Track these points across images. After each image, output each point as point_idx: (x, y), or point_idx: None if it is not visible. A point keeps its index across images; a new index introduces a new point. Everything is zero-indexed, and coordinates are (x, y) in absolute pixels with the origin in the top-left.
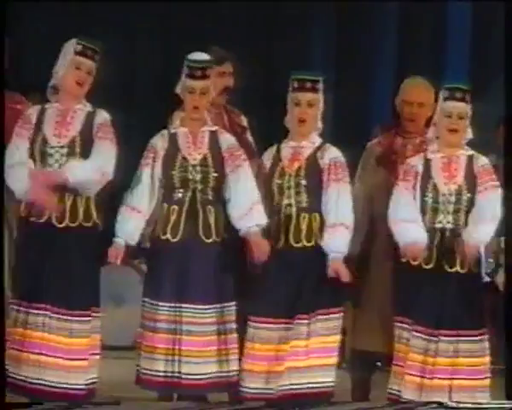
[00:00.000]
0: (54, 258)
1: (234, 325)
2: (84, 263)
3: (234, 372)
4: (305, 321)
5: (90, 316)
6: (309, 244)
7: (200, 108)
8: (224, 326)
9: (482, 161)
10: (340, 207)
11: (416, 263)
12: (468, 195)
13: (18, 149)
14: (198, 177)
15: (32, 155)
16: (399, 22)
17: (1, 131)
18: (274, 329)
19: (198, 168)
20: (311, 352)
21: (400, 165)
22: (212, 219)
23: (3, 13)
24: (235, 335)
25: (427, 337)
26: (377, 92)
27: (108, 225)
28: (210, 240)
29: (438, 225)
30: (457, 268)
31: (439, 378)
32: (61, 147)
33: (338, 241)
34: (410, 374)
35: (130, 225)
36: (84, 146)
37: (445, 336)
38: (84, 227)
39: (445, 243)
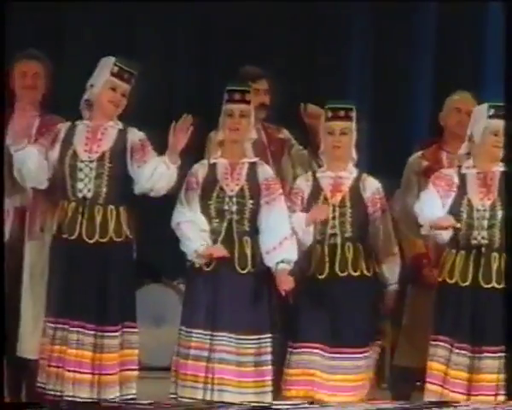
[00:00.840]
0: (85, 274)
1: (269, 357)
2: (116, 278)
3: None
4: (362, 355)
5: (120, 331)
6: (355, 274)
7: (240, 130)
8: (260, 358)
9: None
10: (387, 238)
11: (452, 282)
12: (503, 210)
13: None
14: (234, 208)
15: (61, 168)
16: (437, 46)
17: (1, 132)
18: (321, 356)
19: (234, 199)
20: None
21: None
22: (248, 250)
23: (3, 13)
24: (270, 367)
25: (471, 355)
26: (415, 116)
27: (141, 239)
28: (245, 271)
29: (473, 242)
30: (494, 284)
31: (486, 395)
32: (91, 161)
33: (395, 272)
34: (454, 391)
35: (204, 240)
36: (113, 162)
37: (492, 352)
38: (115, 242)
39: (481, 260)
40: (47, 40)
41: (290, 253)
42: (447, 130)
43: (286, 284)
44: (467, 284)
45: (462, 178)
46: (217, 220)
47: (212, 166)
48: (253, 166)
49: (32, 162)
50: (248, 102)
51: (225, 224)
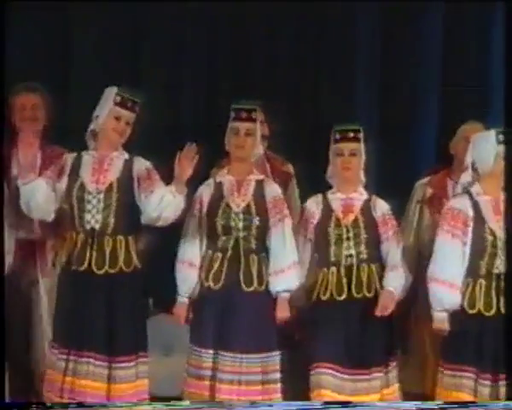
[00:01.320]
0: (96, 305)
1: (278, 375)
2: (126, 309)
3: None
4: (381, 374)
5: (134, 361)
6: (369, 295)
7: (245, 148)
8: (267, 376)
9: None
10: (398, 256)
11: (473, 312)
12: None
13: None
14: (240, 224)
15: (69, 200)
16: (443, 72)
17: (1, 132)
18: (341, 378)
19: (241, 216)
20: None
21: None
22: (254, 268)
23: (3, 15)
24: (278, 385)
25: (494, 384)
26: (421, 143)
27: (150, 268)
28: (251, 288)
29: (495, 271)
30: None
31: None
32: (99, 193)
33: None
34: None
35: (191, 281)
36: (120, 192)
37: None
38: (124, 272)
39: (501, 288)
40: (50, 71)
41: (293, 281)
42: (457, 158)
43: (283, 313)
44: (491, 313)
45: (475, 205)
46: (224, 238)
47: (219, 185)
48: (260, 183)
49: (41, 195)
50: (254, 120)
51: (232, 241)
